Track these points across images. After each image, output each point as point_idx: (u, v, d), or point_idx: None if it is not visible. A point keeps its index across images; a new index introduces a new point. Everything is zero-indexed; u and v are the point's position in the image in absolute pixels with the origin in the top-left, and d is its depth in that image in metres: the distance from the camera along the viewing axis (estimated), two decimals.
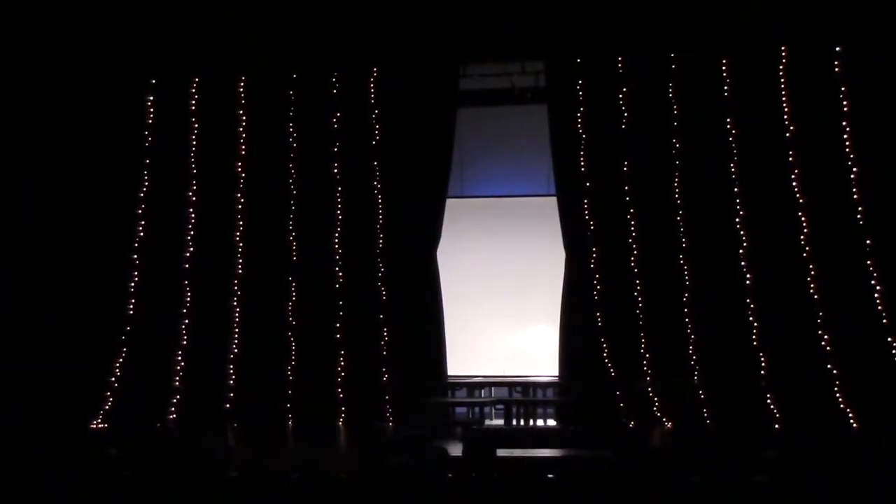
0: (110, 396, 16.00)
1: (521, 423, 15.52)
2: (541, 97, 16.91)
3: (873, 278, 15.09)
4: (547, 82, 16.72)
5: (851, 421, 14.65)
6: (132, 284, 16.44)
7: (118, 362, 16.16)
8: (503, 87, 17.51)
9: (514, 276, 17.62)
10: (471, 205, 18.07)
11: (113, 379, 16.07)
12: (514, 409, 15.65)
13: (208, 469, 11.58)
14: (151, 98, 16.89)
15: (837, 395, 14.85)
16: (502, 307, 17.66)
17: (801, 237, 15.36)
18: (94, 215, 16.37)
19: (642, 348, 15.73)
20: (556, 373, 16.44)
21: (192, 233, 16.63)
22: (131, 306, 16.37)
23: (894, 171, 15.11)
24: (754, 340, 15.35)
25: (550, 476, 9.56)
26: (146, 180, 16.72)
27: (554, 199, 16.53)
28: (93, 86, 16.47)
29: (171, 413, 16.01)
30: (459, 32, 16.15)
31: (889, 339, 14.89)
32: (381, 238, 16.46)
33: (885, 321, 14.94)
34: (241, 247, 16.62)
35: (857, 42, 15.46)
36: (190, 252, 16.58)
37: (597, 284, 15.99)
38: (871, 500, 9.02)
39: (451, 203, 16.81)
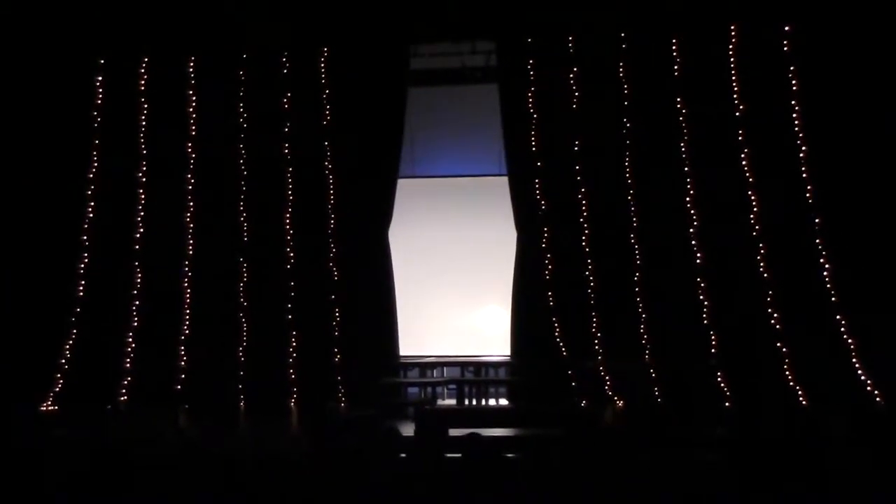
0: (60, 378, 15.90)
1: (474, 402, 15.54)
2: (491, 77, 16.86)
3: (822, 257, 15.14)
4: (497, 62, 16.67)
5: (801, 399, 14.70)
6: (82, 266, 16.31)
7: (68, 344, 16.05)
8: (454, 66, 17.48)
9: (465, 257, 17.68)
10: (422, 184, 18.05)
11: (63, 361, 15.96)
12: (467, 389, 15.67)
13: (159, 451, 11.57)
14: (100, 78, 16.73)
15: (787, 373, 14.90)
16: (454, 287, 17.72)
17: (751, 216, 15.39)
18: (42, 196, 16.22)
19: (594, 328, 15.75)
20: (508, 352, 16.44)
21: (141, 214, 16.51)
22: (81, 288, 16.25)
23: (844, 150, 15.12)
24: (705, 319, 15.40)
25: (503, 455, 9.58)
26: (95, 161, 16.57)
27: (505, 179, 16.48)
28: (40, 66, 16.30)
29: (122, 395, 15.91)
30: (410, 12, 16.07)
31: (838, 318, 14.95)
32: (332, 218, 16.40)
33: (833, 299, 15.01)
34: (191, 227, 16.53)
35: (807, 20, 15.46)
36: (140, 233, 16.46)
37: (548, 264, 16.00)
38: (818, 478, 9.07)
39: (402, 183, 16.76)
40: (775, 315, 15.12)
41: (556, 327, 15.81)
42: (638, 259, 15.73)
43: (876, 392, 14.55)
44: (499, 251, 16.81)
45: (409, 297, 16.98)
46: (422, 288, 17.48)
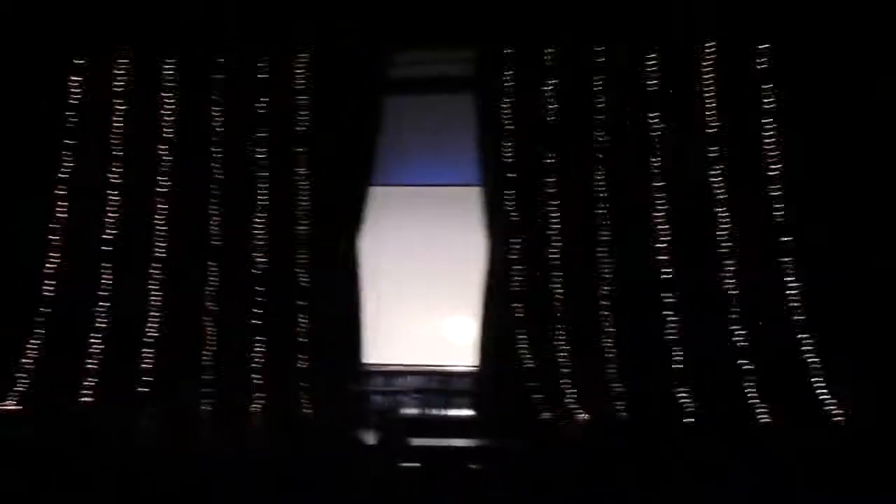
0: (25, 378, 15.82)
1: (438, 412, 15.53)
2: (467, 86, 16.82)
3: (790, 275, 15.13)
4: (474, 71, 16.65)
5: (764, 416, 14.71)
6: (49, 265, 16.26)
7: (33, 343, 15.98)
8: (430, 75, 17.44)
9: (434, 265, 17.61)
10: (394, 193, 17.93)
11: (28, 360, 15.90)
12: (431, 399, 15.66)
13: (124, 451, 11.57)
14: (75, 78, 16.69)
15: (751, 390, 14.90)
16: (422, 296, 17.63)
17: (720, 233, 15.40)
18: (11, 195, 16.19)
19: (560, 340, 15.71)
20: (474, 362, 16.37)
21: (112, 215, 16.47)
22: (48, 287, 16.20)
23: (814, 170, 15.13)
24: (670, 334, 15.38)
25: (465, 466, 9.60)
26: (67, 162, 16.53)
27: (476, 189, 16.46)
28: (14, 65, 16.29)
29: (87, 395, 15.85)
30: (388, 19, 16.11)
31: (803, 336, 14.95)
32: (303, 224, 16.38)
33: (799, 318, 15.01)
34: (161, 230, 16.48)
35: (782, 39, 15.49)
36: (110, 234, 16.42)
37: (517, 275, 15.98)
38: (779, 494, 9.10)
39: (374, 190, 16.70)
40: (740, 331, 15.10)
41: (522, 338, 15.77)
42: (606, 272, 15.70)
43: (837, 412, 14.55)
44: (467, 260, 16.70)
45: (377, 304, 16.89)
46: (390, 296, 17.37)
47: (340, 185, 16.40)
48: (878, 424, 13.84)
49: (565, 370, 15.58)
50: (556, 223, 15.95)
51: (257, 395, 15.87)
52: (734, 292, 15.30)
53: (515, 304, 15.91)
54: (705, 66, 15.77)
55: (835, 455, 11.91)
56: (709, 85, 15.75)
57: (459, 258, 17.24)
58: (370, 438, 11.54)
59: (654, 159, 15.77)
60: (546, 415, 15.19)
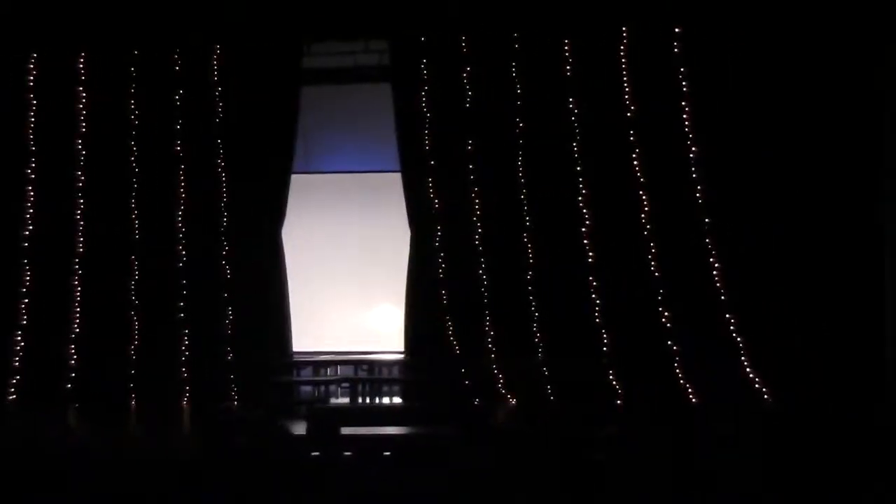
0: None
1: (367, 401, 15.55)
2: (385, 75, 16.80)
3: (712, 256, 15.35)
4: (391, 61, 16.62)
5: (690, 397, 14.94)
6: None
7: None
8: (347, 65, 17.38)
9: (359, 253, 17.59)
10: (316, 180, 17.86)
11: None
12: (360, 387, 15.69)
13: (48, 451, 11.45)
14: None
15: (677, 371, 15.13)
16: (348, 284, 17.61)
17: (642, 216, 15.55)
18: None
19: (487, 326, 15.85)
20: (402, 350, 16.46)
21: (30, 210, 16.31)
22: None
23: (732, 151, 15.33)
24: (596, 318, 15.55)
25: (394, 454, 9.62)
26: None
27: (399, 175, 16.50)
28: None
29: (11, 394, 15.75)
30: (303, 10, 16.02)
31: (727, 316, 15.20)
32: (224, 216, 16.33)
33: (723, 298, 15.24)
34: (81, 225, 16.35)
35: (696, 23, 15.62)
36: (29, 230, 16.27)
37: (441, 262, 16.07)
38: (707, 476, 9.21)
39: (295, 178, 16.71)
40: (665, 313, 15.31)
41: (448, 325, 15.88)
42: (530, 258, 15.81)
43: (764, 390, 14.79)
44: (392, 248, 16.79)
45: (303, 294, 16.95)
46: (316, 285, 17.38)
47: (260, 176, 16.38)
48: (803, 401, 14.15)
49: (492, 355, 15.69)
50: (478, 209, 16.02)
51: (184, 389, 15.83)
52: (656, 274, 15.45)
53: (441, 291, 15.99)
54: (621, 50, 15.84)
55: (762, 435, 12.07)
56: (625, 69, 15.82)
57: (384, 246, 17.31)
58: (299, 429, 11.51)
59: (573, 143, 15.81)
60: (475, 401, 15.24)
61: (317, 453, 9.96)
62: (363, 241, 17.58)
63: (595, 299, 15.58)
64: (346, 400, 15.85)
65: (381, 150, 17.35)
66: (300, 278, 16.92)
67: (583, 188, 15.76)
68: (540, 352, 15.65)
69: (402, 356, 16.41)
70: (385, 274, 17.17)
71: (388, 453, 9.84)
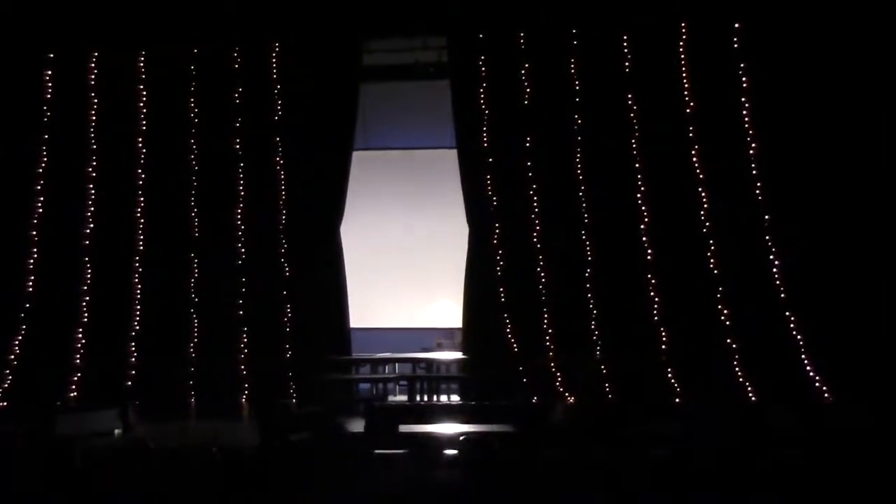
0: (9, 374, 15.82)
1: (424, 398, 15.52)
2: (444, 73, 16.80)
3: (771, 253, 15.21)
4: (449, 58, 16.63)
5: (750, 394, 14.80)
6: (31, 261, 16.24)
7: (17, 340, 15.97)
8: (406, 62, 17.41)
9: (418, 253, 17.65)
10: (377, 176, 17.95)
11: (12, 357, 15.89)
12: (418, 385, 15.65)
13: (109, 447, 11.52)
14: (49, 72, 16.61)
15: (736, 368, 15.00)
16: (407, 283, 17.65)
17: (702, 213, 15.45)
18: None
19: (545, 324, 15.77)
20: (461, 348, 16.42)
21: (92, 209, 16.44)
22: (30, 283, 16.16)
23: (792, 147, 15.20)
24: (655, 315, 15.44)
25: (452, 451, 9.58)
26: (45, 156, 16.48)
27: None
28: None
29: (72, 391, 15.84)
30: (362, 7, 16.05)
31: (787, 314, 15.06)
32: (283, 214, 16.37)
33: (782, 296, 15.10)
34: (142, 223, 16.46)
35: (756, 18, 15.52)
36: (90, 228, 16.39)
37: (500, 260, 16.01)
38: (769, 473, 9.12)
39: (358, 172, 16.77)
40: (724, 311, 15.18)
41: (507, 323, 15.82)
42: (589, 255, 15.73)
43: (824, 388, 14.63)
44: (450, 247, 16.78)
45: (362, 292, 16.96)
46: (374, 283, 17.41)
47: (319, 174, 16.36)
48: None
49: (550, 354, 15.62)
50: (536, 207, 15.94)
51: (243, 386, 15.89)
52: (716, 272, 15.33)
53: (499, 289, 15.94)
54: (681, 46, 15.75)
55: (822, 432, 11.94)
56: (684, 64, 15.73)
57: (442, 245, 17.41)
58: (357, 427, 11.50)
59: (632, 140, 15.74)
60: (533, 399, 15.18)
61: (374, 450, 9.94)
62: (422, 240, 17.95)
63: (653, 297, 15.47)
64: (403, 398, 15.81)
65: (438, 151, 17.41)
66: (359, 276, 17.01)
67: (641, 185, 15.65)
68: (598, 349, 15.52)
69: (459, 354, 16.31)
70: (443, 272, 17.25)
71: (445, 451, 9.80)
